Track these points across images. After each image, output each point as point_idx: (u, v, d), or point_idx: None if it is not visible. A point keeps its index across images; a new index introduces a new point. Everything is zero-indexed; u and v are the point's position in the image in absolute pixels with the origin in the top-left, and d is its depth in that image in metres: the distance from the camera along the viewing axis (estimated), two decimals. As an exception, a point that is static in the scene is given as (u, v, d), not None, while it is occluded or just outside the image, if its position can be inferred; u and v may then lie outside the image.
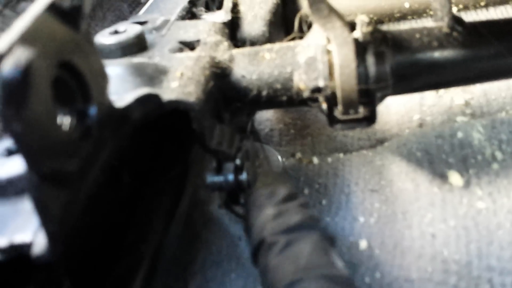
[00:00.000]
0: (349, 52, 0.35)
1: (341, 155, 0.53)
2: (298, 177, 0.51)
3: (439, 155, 0.46)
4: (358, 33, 0.39)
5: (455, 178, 0.43)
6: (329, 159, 0.52)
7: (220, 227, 0.45)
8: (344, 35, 0.35)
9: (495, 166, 0.44)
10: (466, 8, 0.56)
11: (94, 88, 0.27)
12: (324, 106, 0.38)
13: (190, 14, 0.57)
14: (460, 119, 0.51)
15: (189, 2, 0.58)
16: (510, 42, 0.43)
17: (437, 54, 0.41)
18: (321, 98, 0.37)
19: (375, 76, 0.36)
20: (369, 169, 0.49)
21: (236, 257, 0.42)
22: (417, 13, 0.56)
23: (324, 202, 0.47)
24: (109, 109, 0.29)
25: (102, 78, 0.28)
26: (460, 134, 0.47)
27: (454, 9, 0.57)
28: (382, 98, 0.39)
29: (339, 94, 0.36)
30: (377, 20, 0.58)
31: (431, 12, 0.57)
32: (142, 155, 0.39)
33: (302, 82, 0.38)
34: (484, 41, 0.42)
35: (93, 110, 0.26)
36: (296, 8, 0.61)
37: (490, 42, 0.42)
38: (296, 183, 0.50)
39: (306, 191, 0.49)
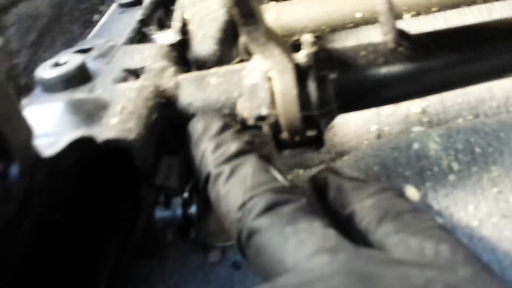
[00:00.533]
0: (290, 79, 0.35)
1: (301, 171, 0.52)
2: (257, 198, 0.50)
3: (396, 168, 0.45)
4: (302, 55, 0.38)
5: (411, 192, 0.43)
6: (289, 177, 0.51)
7: (178, 257, 0.44)
8: (283, 62, 0.34)
9: (451, 177, 0.43)
10: (418, 14, 0.56)
11: (15, 144, 0.26)
12: (270, 133, 0.37)
13: (140, 36, 0.56)
14: (416, 129, 0.51)
15: (140, 22, 0.57)
16: (456, 52, 0.42)
17: (384, 71, 0.40)
18: (265, 127, 0.36)
19: (318, 102, 0.35)
20: (328, 186, 0.48)
21: (195, 288, 0.41)
22: (370, 22, 0.56)
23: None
24: (35, 162, 0.27)
25: (25, 131, 0.27)
26: (416, 145, 0.46)
27: (407, 16, 0.56)
28: (328, 121, 0.38)
29: (282, 122, 0.35)
30: (330, 30, 0.57)
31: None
32: (87, 193, 0.38)
33: (246, 110, 0.37)
34: (430, 53, 0.41)
35: (14, 170, 0.25)
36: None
37: (436, 54, 0.41)
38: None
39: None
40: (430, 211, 0.41)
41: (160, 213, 0.37)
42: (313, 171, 0.52)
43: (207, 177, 0.35)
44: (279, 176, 0.35)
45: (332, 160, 0.54)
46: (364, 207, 0.35)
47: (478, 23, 0.45)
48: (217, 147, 0.36)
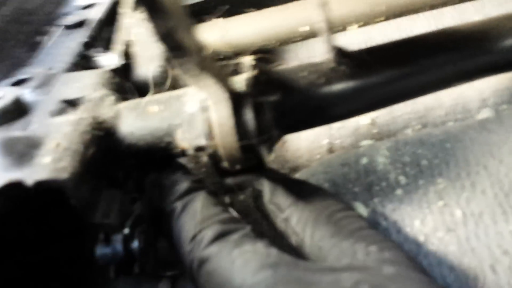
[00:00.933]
0: (226, 110, 0.34)
1: (254, 190, 0.52)
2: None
3: (345, 185, 0.45)
4: (240, 80, 0.38)
5: (359, 210, 0.43)
6: (241, 197, 0.51)
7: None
8: (218, 92, 0.34)
9: (398, 191, 0.43)
10: (366, 24, 0.56)
11: None
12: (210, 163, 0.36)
13: (84, 59, 0.54)
14: (365, 142, 0.51)
15: (84, 45, 0.56)
16: (397, 66, 0.42)
17: (325, 90, 0.40)
18: (204, 157, 0.36)
19: (256, 130, 0.35)
20: (279, 204, 0.48)
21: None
22: (318, 35, 0.55)
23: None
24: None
25: None
26: (364, 160, 0.47)
27: (354, 26, 0.56)
28: (270, 146, 0.38)
29: (221, 152, 0.35)
30: (279, 44, 0.57)
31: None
32: (20, 238, 0.37)
33: (185, 141, 0.37)
34: (371, 69, 0.42)
35: None
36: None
37: (377, 70, 0.42)
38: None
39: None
40: (378, 227, 0.41)
41: (101, 250, 0.36)
42: (266, 189, 0.51)
43: (162, 214, 0.39)
44: (226, 209, 0.38)
45: (286, 176, 0.53)
46: (298, 210, 0.38)
47: (418, 35, 0.46)
48: (170, 186, 0.39)
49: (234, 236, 0.35)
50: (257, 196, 0.42)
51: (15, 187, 0.30)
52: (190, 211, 0.37)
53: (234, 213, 0.39)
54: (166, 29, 0.30)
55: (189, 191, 0.39)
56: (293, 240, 0.39)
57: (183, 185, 0.39)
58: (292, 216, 0.39)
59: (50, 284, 0.36)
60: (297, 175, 0.51)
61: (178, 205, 0.38)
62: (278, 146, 0.57)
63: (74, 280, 0.37)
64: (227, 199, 0.51)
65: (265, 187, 0.41)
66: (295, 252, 0.38)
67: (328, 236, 0.36)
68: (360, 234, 0.35)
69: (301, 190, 0.40)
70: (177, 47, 0.31)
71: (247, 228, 0.36)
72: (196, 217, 0.37)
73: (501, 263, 0.36)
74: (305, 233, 0.37)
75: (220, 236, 0.35)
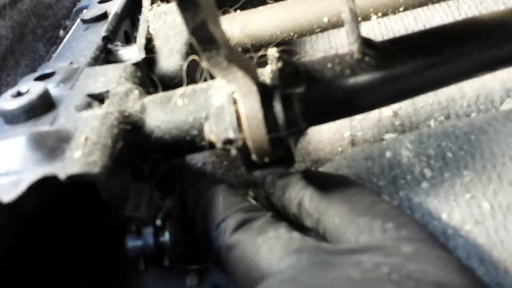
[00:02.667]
0: (255, 102, 0.34)
1: (276, 182, 0.52)
2: (234, 213, 0.50)
3: (369, 178, 0.45)
4: (267, 72, 0.38)
5: (385, 203, 0.43)
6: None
7: (154, 283, 0.43)
8: (247, 85, 0.34)
9: (424, 185, 0.43)
10: (385, 15, 0.55)
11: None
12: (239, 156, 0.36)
13: (105, 53, 0.54)
14: (388, 136, 0.51)
15: (104, 38, 0.56)
16: (422, 57, 0.42)
17: (351, 82, 0.40)
18: (233, 150, 0.36)
19: (285, 123, 0.35)
20: (303, 198, 0.48)
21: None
22: (338, 26, 0.55)
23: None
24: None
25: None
26: (388, 154, 0.46)
27: (373, 17, 0.56)
28: (298, 138, 0.38)
29: (250, 145, 0.35)
30: (298, 36, 0.57)
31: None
32: (55, 229, 0.37)
33: (213, 134, 0.37)
34: (397, 60, 0.41)
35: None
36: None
37: (403, 60, 0.41)
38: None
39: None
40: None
41: (132, 242, 0.36)
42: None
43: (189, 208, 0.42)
44: (246, 198, 0.41)
45: (308, 168, 0.53)
46: (309, 191, 0.39)
47: (442, 25, 0.45)
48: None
49: (257, 223, 0.37)
50: (269, 194, 0.43)
51: (50, 181, 0.30)
52: (213, 202, 0.39)
53: (253, 201, 0.41)
54: (198, 21, 0.30)
55: (209, 184, 0.41)
56: (308, 222, 0.39)
57: (203, 181, 0.42)
58: (304, 198, 0.39)
59: (81, 275, 0.37)
60: (321, 169, 0.51)
61: (201, 200, 0.40)
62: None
63: (105, 271, 0.37)
64: (251, 193, 0.51)
65: (277, 184, 0.42)
66: (312, 234, 0.39)
67: (343, 213, 0.36)
68: (375, 210, 0.36)
69: (310, 176, 0.41)
70: (207, 40, 0.31)
71: (268, 215, 0.38)
72: (218, 207, 0.39)
73: (532, 255, 0.36)
74: (320, 212, 0.38)
75: (243, 224, 0.37)
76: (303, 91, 0.39)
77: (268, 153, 0.36)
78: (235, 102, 0.36)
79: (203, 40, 0.31)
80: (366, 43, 0.41)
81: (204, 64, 0.33)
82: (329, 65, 0.40)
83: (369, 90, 0.41)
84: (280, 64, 0.39)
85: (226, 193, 0.40)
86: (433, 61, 0.43)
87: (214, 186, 0.41)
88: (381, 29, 0.67)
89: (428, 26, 0.65)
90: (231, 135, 0.35)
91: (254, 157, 0.36)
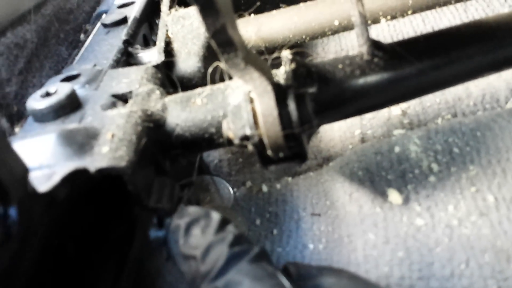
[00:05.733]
0: (270, 101, 0.36)
1: (290, 179, 0.54)
2: (249, 208, 0.52)
3: (379, 172, 0.47)
4: (281, 73, 0.40)
5: (394, 196, 0.45)
6: (278, 185, 0.53)
7: (176, 273, 0.45)
8: (263, 85, 0.36)
9: (432, 178, 0.45)
10: (393, 18, 0.58)
11: (12, 185, 0.27)
12: (255, 151, 0.39)
13: (126, 55, 0.57)
14: (397, 132, 0.53)
15: (124, 42, 0.58)
16: (429, 58, 0.44)
17: (361, 82, 0.42)
18: (249, 146, 0.38)
19: (298, 120, 0.37)
20: (315, 192, 0.50)
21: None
22: (348, 28, 0.57)
23: (275, 231, 0.48)
24: (32, 199, 0.29)
25: (20, 171, 0.29)
26: (397, 149, 0.48)
27: (383, 20, 0.58)
28: (310, 135, 0.40)
29: (265, 141, 0.37)
30: (310, 38, 0.59)
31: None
32: (85, 220, 0.40)
33: (231, 131, 0.39)
34: (404, 62, 0.43)
35: (13, 211, 0.27)
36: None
37: (410, 62, 0.43)
38: (248, 214, 0.52)
39: (257, 221, 0.50)
40: (412, 213, 0.43)
41: (154, 233, 0.38)
42: (301, 178, 0.54)
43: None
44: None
45: (319, 165, 0.56)
46: None
47: (448, 27, 0.47)
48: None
49: None
50: None
51: (81, 173, 0.33)
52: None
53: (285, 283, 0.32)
54: (218, 26, 0.32)
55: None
56: None
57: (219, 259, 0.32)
58: None
59: (107, 264, 0.39)
60: (331, 164, 0.53)
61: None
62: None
63: (130, 260, 0.39)
64: (265, 188, 0.53)
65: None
66: None
67: None
68: None
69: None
70: (226, 43, 0.33)
71: None
72: None
73: (534, 245, 0.38)
74: None
75: None
76: (316, 91, 0.41)
77: (283, 149, 0.38)
78: (251, 101, 0.38)
79: (223, 43, 0.33)
80: (375, 45, 0.43)
81: (223, 65, 0.35)
82: (340, 66, 0.43)
83: (378, 90, 0.43)
84: (293, 65, 0.41)
85: (250, 283, 0.31)
86: (439, 62, 0.44)
87: (236, 270, 0.32)
88: (390, 31, 0.69)
89: (436, 28, 0.67)
90: (248, 131, 0.38)
91: (269, 152, 0.38)
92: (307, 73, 0.42)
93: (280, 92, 0.38)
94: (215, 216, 0.34)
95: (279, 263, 0.45)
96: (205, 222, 0.34)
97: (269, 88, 0.37)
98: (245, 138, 0.38)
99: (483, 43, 0.46)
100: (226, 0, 0.33)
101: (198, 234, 0.33)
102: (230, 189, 0.53)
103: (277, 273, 0.31)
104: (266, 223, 0.49)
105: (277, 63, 0.43)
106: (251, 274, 0.31)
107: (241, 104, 0.38)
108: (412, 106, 0.55)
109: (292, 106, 0.37)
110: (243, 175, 0.57)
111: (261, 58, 0.39)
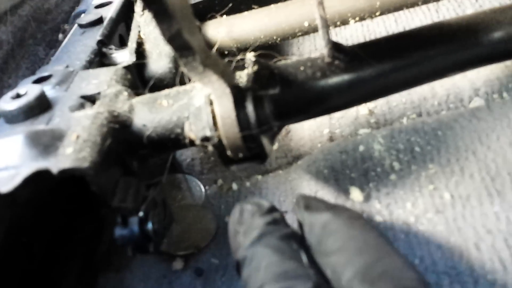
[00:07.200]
0: (228, 103, 0.38)
1: (260, 177, 0.56)
2: (219, 205, 0.53)
3: (343, 170, 0.49)
4: (243, 75, 0.41)
5: (355, 193, 0.46)
6: (248, 184, 0.54)
7: (142, 268, 0.47)
8: (222, 88, 0.37)
9: (393, 177, 0.47)
10: (362, 19, 0.59)
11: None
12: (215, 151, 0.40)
13: (100, 56, 0.58)
14: (363, 131, 0.54)
15: (99, 42, 0.59)
16: (389, 60, 0.45)
17: (322, 83, 0.43)
18: (210, 146, 0.39)
19: (256, 122, 0.38)
20: (283, 190, 0.52)
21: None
22: (316, 30, 0.58)
23: (242, 228, 0.49)
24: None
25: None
26: (362, 148, 0.50)
27: (351, 21, 0.59)
28: (273, 135, 0.41)
29: (224, 142, 0.38)
30: (281, 39, 0.60)
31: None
32: (54, 218, 0.41)
33: (192, 132, 0.40)
34: (365, 64, 0.44)
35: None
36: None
37: (370, 64, 0.45)
38: (218, 211, 0.53)
39: (227, 218, 0.51)
40: (372, 210, 0.45)
41: (119, 231, 0.40)
42: (271, 176, 0.55)
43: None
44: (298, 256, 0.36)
45: (289, 164, 0.57)
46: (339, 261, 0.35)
47: (410, 30, 0.48)
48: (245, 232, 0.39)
49: None
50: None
51: (43, 174, 0.34)
52: (258, 261, 0.36)
53: (304, 259, 0.36)
54: (173, 31, 0.33)
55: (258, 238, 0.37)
56: None
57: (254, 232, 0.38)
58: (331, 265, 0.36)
59: (72, 262, 0.40)
60: (300, 162, 0.54)
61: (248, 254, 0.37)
62: (282, 136, 0.61)
63: (96, 258, 0.41)
64: (235, 186, 0.55)
65: (305, 221, 0.40)
66: None
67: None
68: None
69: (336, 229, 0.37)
70: (183, 47, 0.34)
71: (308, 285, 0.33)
72: (261, 269, 0.35)
73: (485, 242, 0.39)
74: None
75: None
76: (277, 92, 0.42)
77: (242, 149, 0.39)
78: (211, 103, 0.39)
79: (179, 47, 0.34)
80: (336, 48, 0.44)
81: (182, 68, 0.37)
82: (302, 68, 0.44)
83: (339, 91, 0.44)
84: (256, 68, 0.42)
85: (272, 253, 0.35)
86: (399, 64, 0.46)
87: (265, 242, 0.37)
88: (364, 32, 0.70)
89: (408, 28, 0.68)
90: (207, 133, 0.39)
91: (229, 153, 0.40)
92: (269, 75, 0.43)
93: (239, 94, 0.39)
94: (265, 204, 0.41)
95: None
96: (255, 208, 0.40)
97: (227, 91, 0.38)
98: (206, 139, 0.39)
99: (443, 45, 0.47)
100: (183, 5, 0.34)
101: (248, 216, 0.39)
102: (202, 187, 0.55)
103: (300, 251, 0.36)
104: (235, 221, 0.50)
105: (243, 65, 0.44)
106: (276, 247, 0.36)
107: (202, 107, 0.40)
108: (379, 106, 0.57)
109: (249, 108, 0.38)
110: (215, 174, 0.58)
111: (223, 61, 0.40)
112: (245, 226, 0.39)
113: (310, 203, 0.40)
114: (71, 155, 0.38)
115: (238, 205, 0.42)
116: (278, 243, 0.36)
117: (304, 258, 0.36)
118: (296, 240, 0.37)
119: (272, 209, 0.40)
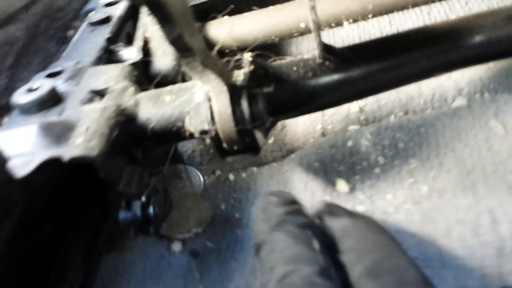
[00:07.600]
0: (225, 100, 0.41)
1: (255, 169, 0.59)
2: (216, 194, 0.57)
3: (332, 164, 0.52)
4: (239, 74, 0.45)
5: (341, 185, 0.50)
6: (244, 174, 0.58)
7: (143, 248, 0.51)
8: (219, 86, 0.41)
9: (377, 170, 0.50)
10: (355, 21, 0.62)
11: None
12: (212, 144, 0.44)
13: (108, 53, 0.62)
14: (352, 127, 0.58)
15: (107, 40, 0.63)
16: (376, 62, 0.49)
17: (313, 83, 0.47)
18: (207, 139, 0.43)
19: (250, 117, 0.42)
20: (276, 181, 0.55)
21: (159, 275, 0.49)
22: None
23: (237, 215, 0.53)
24: (8, 183, 0.34)
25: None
26: (350, 143, 0.53)
27: (346, 23, 0.63)
28: (267, 130, 0.45)
29: (221, 135, 0.42)
30: (279, 39, 0.64)
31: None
32: (64, 201, 0.45)
33: (192, 126, 0.44)
34: (353, 64, 0.48)
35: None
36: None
37: (358, 65, 0.48)
38: (215, 200, 0.57)
39: (222, 206, 0.55)
40: (355, 200, 0.48)
41: (123, 214, 0.44)
42: (265, 168, 0.59)
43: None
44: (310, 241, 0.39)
45: (283, 157, 0.61)
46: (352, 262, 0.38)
47: (398, 33, 0.52)
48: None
49: (297, 279, 0.35)
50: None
51: (55, 161, 0.38)
52: (273, 245, 0.38)
53: (315, 245, 0.38)
54: (175, 35, 0.37)
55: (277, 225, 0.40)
56: None
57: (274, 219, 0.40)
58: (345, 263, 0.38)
59: (80, 243, 0.44)
60: (292, 156, 0.58)
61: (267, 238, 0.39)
62: (278, 131, 0.64)
63: (100, 239, 0.45)
64: (231, 176, 0.58)
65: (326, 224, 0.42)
66: None
67: None
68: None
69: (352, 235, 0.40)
70: (184, 49, 0.38)
71: (315, 268, 0.35)
72: (275, 253, 0.37)
73: (455, 231, 0.43)
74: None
75: (284, 277, 0.35)
76: (271, 91, 0.46)
77: (236, 142, 0.43)
78: (210, 99, 0.43)
79: (181, 49, 0.38)
80: (327, 49, 0.48)
81: (183, 67, 0.40)
82: (295, 68, 0.47)
83: (328, 90, 0.48)
84: (252, 67, 0.46)
85: (287, 238, 0.38)
86: (386, 66, 0.49)
87: (283, 229, 0.39)
88: (359, 32, 0.74)
89: (401, 29, 0.72)
90: (206, 127, 0.43)
91: (225, 145, 0.43)
92: (264, 74, 0.46)
93: (235, 92, 0.43)
94: (288, 195, 0.43)
95: (238, 243, 0.51)
96: (279, 198, 0.42)
97: (224, 88, 0.42)
98: (204, 132, 0.43)
99: (428, 47, 0.51)
100: (184, 12, 0.38)
101: (271, 205, 0.42)
102: (201, 177, 0.59)
103: (313, 239, 0.38)
104: (230, 208, 0.54)
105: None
106: (291, 234, 0.38)
107: (201, 103, 0.43)
108: (369, 104, 0.60)
109: (244, 105, 0.42)
110: (213, 165, 0.62)
111: (221, 61, 0.44)
112: (267, 213, 0.42)
113: (332, 210, 0.43)
114: (81, 144, 0.41)
115: (264, 195, 0.45)
116: (294, 230, 0.38)
117: (316, 245, 0.38)
118: (312, 230, 0.39)
119: (294, 201, 0.43)
